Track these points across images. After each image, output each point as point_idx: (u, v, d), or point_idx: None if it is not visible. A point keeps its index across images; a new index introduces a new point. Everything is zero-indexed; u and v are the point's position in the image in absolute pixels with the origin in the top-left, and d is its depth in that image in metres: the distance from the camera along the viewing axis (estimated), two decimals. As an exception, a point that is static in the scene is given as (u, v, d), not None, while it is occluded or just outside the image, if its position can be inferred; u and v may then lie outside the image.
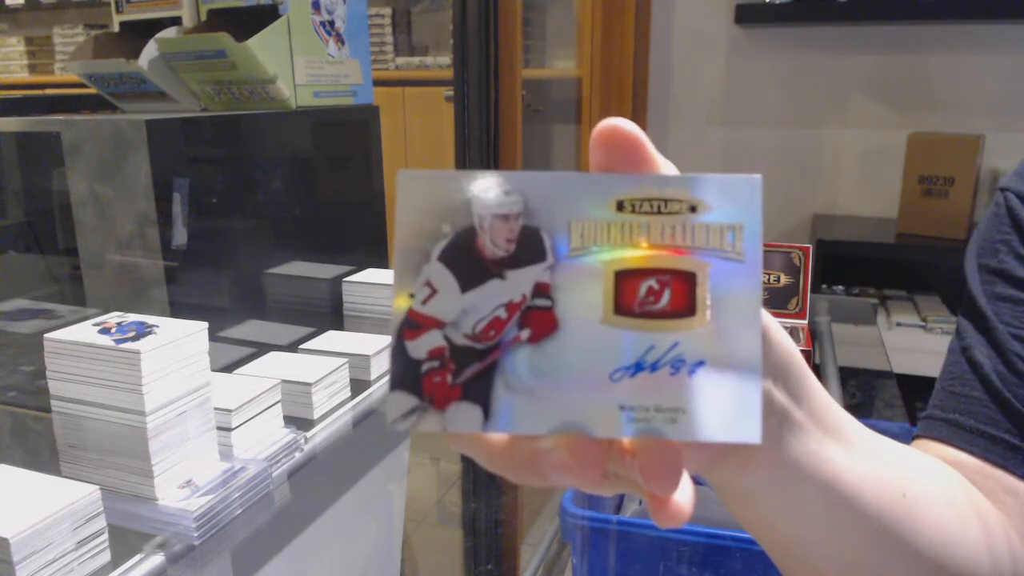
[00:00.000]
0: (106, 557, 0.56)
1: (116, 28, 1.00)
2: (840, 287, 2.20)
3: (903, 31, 2.20)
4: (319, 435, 0.77)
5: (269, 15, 0.93)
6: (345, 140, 1.07)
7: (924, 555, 0.38)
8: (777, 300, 1.03)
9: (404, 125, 2.77)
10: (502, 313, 0.24)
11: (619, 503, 0.83)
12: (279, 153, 0.93)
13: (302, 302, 0.98)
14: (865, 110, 2.29)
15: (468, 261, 0.24)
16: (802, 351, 0.92)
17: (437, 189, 0.24)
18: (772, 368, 0.31)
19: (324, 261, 1.01)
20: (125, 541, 0.58)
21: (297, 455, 0.72)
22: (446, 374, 0.24)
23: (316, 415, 0.79)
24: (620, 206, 0.24)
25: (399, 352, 0.24)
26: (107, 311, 0.67)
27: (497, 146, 1.82)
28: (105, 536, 0.56)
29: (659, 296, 0.24)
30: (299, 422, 0.77)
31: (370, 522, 0.94)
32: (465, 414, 0.24)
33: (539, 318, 0.24)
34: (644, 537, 0.72)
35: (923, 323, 2.05)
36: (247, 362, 0.83)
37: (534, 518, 1.15)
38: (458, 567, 1.05)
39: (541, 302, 0.24)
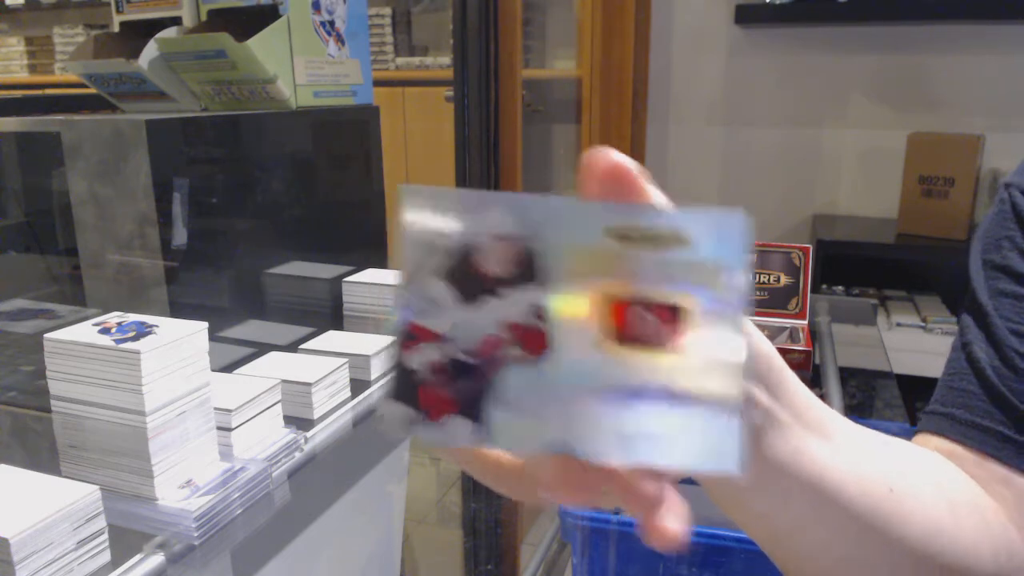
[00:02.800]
0: (106, 557, 0.56)
1: (116, 28, 1.00)
2: (840, 287, 2.20)
3: (903, 31, 2.20)
4: (319, 435, 0.77)
5: (269, 15, 0.93)
6: (345, 140, 1.07)
7: (915, 548, 0.38)
8: (777, 300, 1.03)
9: (404, 125, 2.77)
10: (497, 331, 0.25)
11: (619, 503, 0.83)
12: (279, 153, 0.93)
13: (302, 302, 0.98)
14: (865, 110, 2.29)
15: (467, 278, 0.24)
16: (802, 351, 0.92)
17: (439, 205, 0.24)
18: (751, 370, 0.31)
19: (324, 261, 1.01)
20: (125, 541, 0.58)
21: (297, 455, 0.72)
22: (441, 387, 0.25)
23: (316, 415, 0.79)
24: (613, 235, 0.24)
25: (397, 363, 0.25)
26: (107, 311, 0.67)
27: (497, 146, 1.82)
28: (105, 536, 0.56)
29: (647, 326, 0.24)
30: (299, 422, 0.77)
31: (370, 522, 0.94)
32: (458, 428, 0.24)
33: (532, 338, 0.24)
34: (644, 537, 0.72)
35: (923, 323, 2.05)
36: (247, 362, 0.83)
37: (534, 518, 1.15)
38: (458, 567, 1.05)
39: (534, 323, 0.24)
